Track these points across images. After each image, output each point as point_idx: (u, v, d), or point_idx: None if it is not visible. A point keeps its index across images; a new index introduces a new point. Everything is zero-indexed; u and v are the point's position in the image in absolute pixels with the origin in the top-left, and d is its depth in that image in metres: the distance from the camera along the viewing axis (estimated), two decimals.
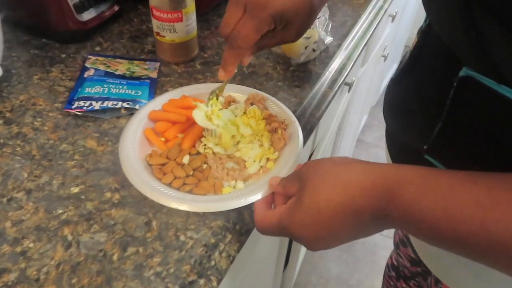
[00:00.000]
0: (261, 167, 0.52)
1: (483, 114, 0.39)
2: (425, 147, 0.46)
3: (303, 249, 1.29)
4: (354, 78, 0.92)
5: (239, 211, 0.48)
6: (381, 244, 1.64)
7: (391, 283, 1.03)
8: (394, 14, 1.20)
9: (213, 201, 0.46)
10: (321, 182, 0.38)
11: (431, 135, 0.44)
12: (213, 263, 0.44)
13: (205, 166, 0.51)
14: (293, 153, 0.51)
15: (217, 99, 0.54)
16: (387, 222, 0.36)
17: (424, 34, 0.49)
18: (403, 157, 0.54)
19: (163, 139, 0.54)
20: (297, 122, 0.55)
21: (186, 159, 0.51)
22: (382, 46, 1.31)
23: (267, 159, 0.53)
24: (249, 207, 0.49)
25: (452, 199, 0.32)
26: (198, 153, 0.53)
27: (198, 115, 0.51)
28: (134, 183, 0.47)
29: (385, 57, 1.35)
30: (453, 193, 0.32)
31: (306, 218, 0.38)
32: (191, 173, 0.49)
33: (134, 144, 0.51)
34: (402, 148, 0.54)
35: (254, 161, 0.52)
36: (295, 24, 0.47)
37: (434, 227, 0.33)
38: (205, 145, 0.53)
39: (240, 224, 0.48)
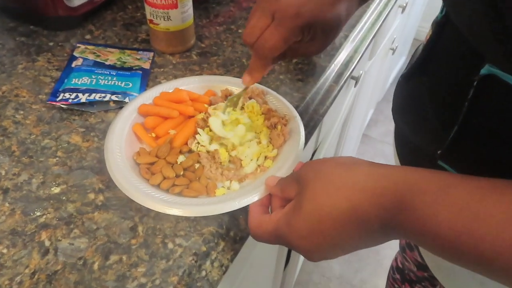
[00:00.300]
0: (259, 165, 0.48)
1: (506, 118, 0.35)
2: (438, 152, 0.41)
3: None
4: (361, 72, 0.88)
5: (233, 215, 0.44)
6: (386, 243, 1.59)
7: (396, 285, 0.99)
8: (405, 4, 1.14)
9: (204, 204, 0.42)
10: (322, 187, 0.34)
11: (446, 140, 0.40)
12: (203, 273, 0.40)
13: (197, 165, 0.47)
14: (293, 150, 0.47)
15: (235, 107, 0.50)
16: (397, 233, 0.32)
17: (440, 26, 0.44)
18: (413, 161, 0.49)
19: (153, 135, 0.50)
20: (298, 118, 0.51)
21: (180, 159, 0.46)
22: (390, 39, 1.26)
23: (265, 157, 0.48)
24: (245, 211, 0.45)
25: (475, 212, 0.28)
26: (191, 151, 0.49)
27: (215, 123, 0.48)
28: (118, 184, 0.43)
29: (394, 50, 1.30)
30: (476, 204, 0.28)
31: (305, 226, 0.34)
32: (182, 173, 0.45)
33: (121, 141, 0.47)
34: (412, 151, 0.49)
35: (251, 159, 0.48)
36: (321, 36, 0.46)
37: (453, 244, 0.29)
38: (198, 142, 0.49)
39: (235, 230, 0.44)
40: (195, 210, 0.41)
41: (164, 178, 0.44)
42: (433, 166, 0.42)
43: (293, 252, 1.09)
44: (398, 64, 2.07)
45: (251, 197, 0.42)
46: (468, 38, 0.37)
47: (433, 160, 0.42)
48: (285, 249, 0.95)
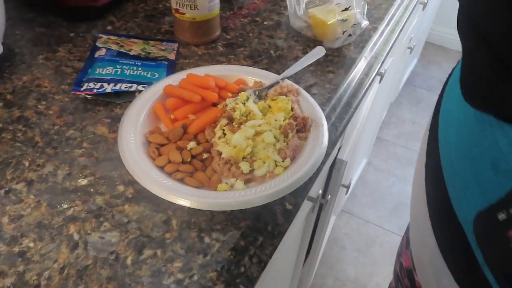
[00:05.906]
0: (268, 172, 0.43)
1: None
2: None
3: (325, 238, 1.16)
4: (386, 68, 0.85)
5: (270, 209, 0.42)
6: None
7: None
8: (426, 1, 1.12)
9: (218, 197, 0.39)
10: None
11: None
12: (242, 269, 0.38)
13: (206, 155, 0.44)
14: (309, 161, 0.43)
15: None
16: None
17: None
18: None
19: (172, 117, 0.47)
20: (325, 125, 0.47)
21: (191, 145, 0.44)
22: (408, 37, 1.23)
23: (276, 164, 0.44)
24: (281, 204, 0.42)
25: None
26: (207, 142, 0.46)
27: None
28: (125, 162, 0.41)
29: (411, 49, 1.27)
30: None
31: None
32: (189, 160, 0.43)
33: (138, 117, 0.46)
34: None
35: (264, 162, 0.44)
36: None
37: None
38: (224, 132, 0.46)
39: (272, 224, 0.41)
40: (201, 202, 0.38)
41: (169, 161, 0.42)
42: None
43: (314, 245, 1.05)
44: (410, 66, 2.04)
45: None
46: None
47: None
48: (307, 242, 0.92)
